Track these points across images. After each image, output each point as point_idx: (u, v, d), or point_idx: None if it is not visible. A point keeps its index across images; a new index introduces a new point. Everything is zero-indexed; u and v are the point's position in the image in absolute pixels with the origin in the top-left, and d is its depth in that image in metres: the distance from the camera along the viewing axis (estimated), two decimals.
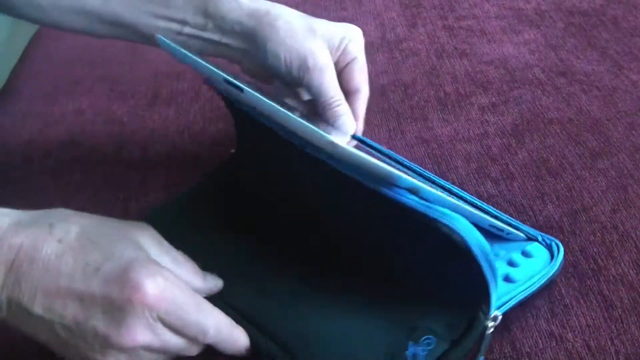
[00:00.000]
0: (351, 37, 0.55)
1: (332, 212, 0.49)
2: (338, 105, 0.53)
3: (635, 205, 0.52)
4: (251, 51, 0.54)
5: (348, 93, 0.55)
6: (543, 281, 0.46)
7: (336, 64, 0.54)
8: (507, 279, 0.46)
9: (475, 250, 0.40)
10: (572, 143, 0.59)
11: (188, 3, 0.54)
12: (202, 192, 0.57)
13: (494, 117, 0.63)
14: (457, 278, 0.42)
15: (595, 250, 0.49)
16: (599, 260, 0.49)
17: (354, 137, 0.53)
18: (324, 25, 0.54)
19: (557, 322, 0.45)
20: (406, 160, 0.50)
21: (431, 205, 0.40)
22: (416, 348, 0.42)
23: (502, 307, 0.44)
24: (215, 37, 0.55)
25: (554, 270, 0.47)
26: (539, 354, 0.43)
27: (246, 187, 0.56)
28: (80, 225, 0.40)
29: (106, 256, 0.39)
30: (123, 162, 0.64)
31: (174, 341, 0.40)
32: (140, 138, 0.67)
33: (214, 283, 0.46)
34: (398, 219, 0.42)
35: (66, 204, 0.60)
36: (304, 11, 0.55)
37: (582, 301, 0.46)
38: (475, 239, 0.40)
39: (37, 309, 0.38)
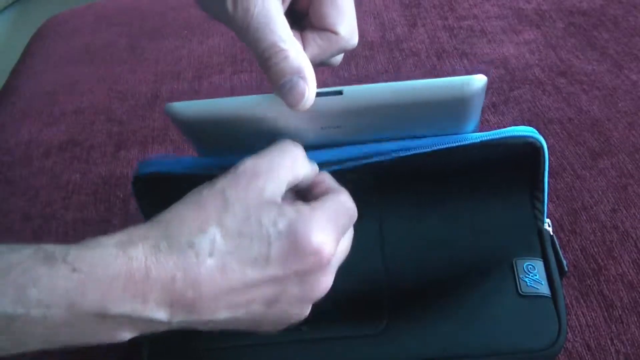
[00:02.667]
0: None
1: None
2: (284, 56, 0.38)
3: (635, 205, 0.52)
4: None
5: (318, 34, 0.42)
6: None
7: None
8: None
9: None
10: (572, 143, 0.59)
11: None
12: None
13: (494, 117, 0.63)
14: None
15: (595, 250, 0.49)
16: (599, 260, 0.49)
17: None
18: None
19: None
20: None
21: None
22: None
23: None
24: None
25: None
26: None
27: None
28: (219, 226, 0.36)
29: (266, 241, 0.36)
30: (123, 162, 0.64)
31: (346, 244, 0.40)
32: (140, 138, 0.67)
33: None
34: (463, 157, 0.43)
35: (66, 204, 0.60)
36: None
37: (582, 301, 0.46)
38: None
39: (221, 315, 0.36)
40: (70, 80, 0.79)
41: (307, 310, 0.38)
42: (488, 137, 0.42)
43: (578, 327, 0.45)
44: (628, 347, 0.43)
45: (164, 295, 0.34)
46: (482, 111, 0.64)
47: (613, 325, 0.44)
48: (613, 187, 0.54)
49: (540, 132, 0.60)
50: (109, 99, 0.74)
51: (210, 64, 0.78)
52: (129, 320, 0.34)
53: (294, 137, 0.41)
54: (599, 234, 0.50)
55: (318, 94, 0.38)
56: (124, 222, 0.58)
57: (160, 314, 0.34)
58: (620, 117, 0.61)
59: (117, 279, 0.34)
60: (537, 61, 0.70)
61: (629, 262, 0.48)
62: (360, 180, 0.44)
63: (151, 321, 0.35)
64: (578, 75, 0.67)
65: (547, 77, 0.68)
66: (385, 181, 0.45)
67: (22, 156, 0.68)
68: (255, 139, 0.41)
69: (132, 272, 0.34)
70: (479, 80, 0.38)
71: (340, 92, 0.38)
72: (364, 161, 0.42)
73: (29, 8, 1.09)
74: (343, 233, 0.39)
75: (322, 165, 0.42)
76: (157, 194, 0.45)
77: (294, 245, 0.36)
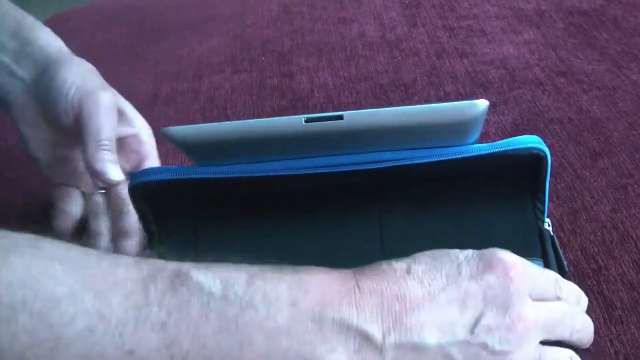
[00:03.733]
0: (144, 125, 0.56)
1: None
2: (108, 150, 0.49)
3: (635, 205, 0.52)
4: (37, 86, 0.51)
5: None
6: None
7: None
8: None
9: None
10: (573, 143, 0.59)
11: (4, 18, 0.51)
12: None
13: (494, 116, 0.63)
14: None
15: (595, 250, 0.49)
16: (599, 260, 0.49)
17: None
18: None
19: None
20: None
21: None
22: None
23: None
24: (10, 62, 0.51)
25: None
26: None
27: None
28: (411, 256, 0.38)
29: (455, 261, 0.38)
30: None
31: (555, 308, 0.39)
32: None
33: None
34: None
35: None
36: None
37: None
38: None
39: (430, 340, 0.35)
40: None
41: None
42: (493, 150, 0.42)
43: None
44: (628, 348, 0.43)
45: (374, 306, 0.35)
46: None
47: (613, 326, 0.44)
48: (613, 187, 0.54)
49: (540, 132, 0.60)
50: None
51: (210, 64, 0.78)
52: (344, 330, 0.34)
53: (296, 153, 0.42)
54: (599, 234, 0.50)
55: (318, 119, 0.39)
56: None
57: (374, 327, 0.35)
58: (620, 117, 0.61)
59: (334, 284, 0.35)
60: (537, 61, 0.70)
61: (629, 262, 0.48)
62: (361, 182, 0.45)
63: (366, 335, 0.35)
64: (578, 75, 0.67)
65: (547, 77, 0.68)
66: (386, 183, 0.45)
67: (22, 156, 0.67)
68: (255, 155, 0.42)
69: (345, 281, 0.36)
70: (480, 105, 0.38)
71: (340, 117, 0.39)
72: (367, 166, 0.42)
73: (29, 8, 1.09)
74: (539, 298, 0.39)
75: (321, 168, 0.42)
76: (155, 200, 0.45)
77: (482, 260, 0.37)
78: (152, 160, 0.55)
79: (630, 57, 0.68)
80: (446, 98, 0.67)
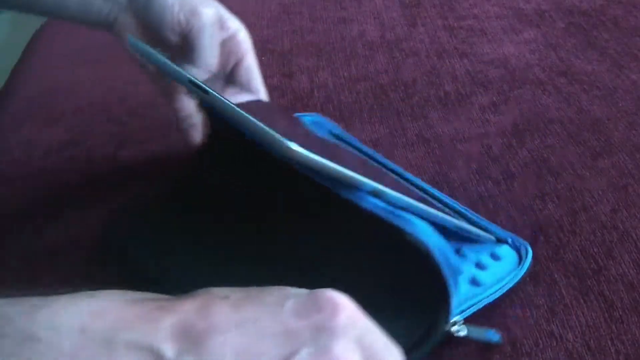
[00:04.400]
0: (239, 26, 0.57)
1: (291, 214, 0.49)
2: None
3: (635, 205, 0.52)
4: (137, 3, 0.54)
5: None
6: (510, 285, 0.46)
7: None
8: (474, 281, 0.46)
9: (438, 257, 0.40)
10: (573, 142, 0.59)
11: None
12: (162, 196, 0.57)
13: (494, 116, 0.63)
14: (417, 284, 0.42)
15: (595, 250, 0.49)
16: (599, 260, 0.49)
17: (338, 137, 0.52)
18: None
19: (557, 322, 0.45)
20: (386, 159, 0.50)
21: (395, 210, 0.41)
22: None
23: (467, 311, 0.44)
24: None
25: (521, 274, 0.47)
26: (539, 354, 0.43)
27: (207, 188, 0.55)
28: (239, 288, 0.36)
29: (283, 295, 0.35)
30: (123, 162, 0.64)
31: None
32: (140, 138, 0.67)
33: None
34: (357, 223, 0.42)
35: (66, 204, 0.60)
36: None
37: (582, 301, 0.46)
38: (437, 247, 0.41)
39: None
40: (70, 80, 0.79)
41: None
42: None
43: (578, 327, 0.45)
44: (628, 348, 0.43)
45: (175, 325, 0.33)
46: (483, 111, 0.64)
47: (613, 326, 0.44)
48: (613, 187, 0.54)
49: (540, 132, 0.60)
50: (109, 99, 0.74)
51: None
52: (135, 350, 0.33)
53: None
54: (599, 234, 0.50)
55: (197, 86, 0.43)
56: None
57: (167, 347, 0.33)
58: (621, 117, 0.61)
59: (134, 306, 0.34)
60: (537, 61, 0.70)
61: (629, 262, 0.48)
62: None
63: (158, 354, 0.33)
64: (578, 75, 0.67)
65: (547, 77, 0.68)
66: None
67: (22, 156, 0.67)
68: None
69: (147, 304, 0.34)
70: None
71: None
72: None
73: None
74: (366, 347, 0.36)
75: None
76: None
77: (311, 298, 0.35)
78: (250, 58, 0.57)
79: (630, 57, 0.68)
80: (446, 98, 0.67)
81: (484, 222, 0.50)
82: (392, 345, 0.36)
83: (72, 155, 0.66)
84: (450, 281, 0.41)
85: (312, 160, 0.39)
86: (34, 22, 0.96)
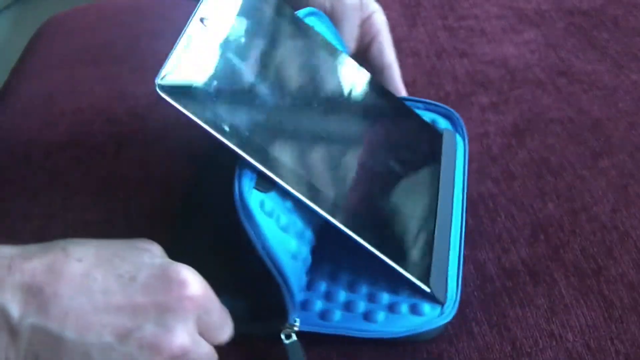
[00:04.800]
0: (376, 8, 0.59)
1: None
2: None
3: (635, 205, 0.52)
4: None
5: (380, 68, 0.58)
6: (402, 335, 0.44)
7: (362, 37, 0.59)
8: (367, 317, 0.45)
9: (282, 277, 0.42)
10: (573, 142, 0.59)
11: None
12: None
13: (494, 116, 0.63)
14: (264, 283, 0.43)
15: (595, 250, 0.49)
16: (599, 260, 0.49)
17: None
18: None
19: (557, 322, 0.45)
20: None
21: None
22: None
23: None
24: None
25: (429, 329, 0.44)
26: (539, 353, 0.43)
27: None
28: (96, 245, 0.37)
29: (137, 265, 0.36)
30: (123, 162, 0.64)
31: (204, 348, 0.38)
32: (140, 138, 0.67)
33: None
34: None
35: (66, 204, 0.60)
36: None
37: (582, 301, 0.46)
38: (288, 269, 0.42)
39: (70, 333, 0.34)
40: (70, 80, 0.79)
41: None
42: None
43: (578, 327, 0.45)
44: (628, 347, 0.43)
45: (22, 285, 0.34)
46: (483, 111, 0.64)
47: (613, 325, 0.44)
48: (613, 187, 0.54)
49: (540, 132, 0.61)
50: (109, 99, 0.74)
51: None
52: None
53: None
54: (599, 234, 0.50)
55: None
56: (125, 222, 0.58)
57: (13, 307, 0.34)
58: (621, 117, 0.61)
59: None
60: (537, 61, 0.70)
61: (629, 262, 0.48)
62: None
63: (3, 313, 0.34)
64: (578, 75, 0.67)
65: (547, 77, 0.68)
66: None
67: (22, 156, 0.67)
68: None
69: (1, 256, 0.35)
70: None
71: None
72: None
73: (29, 8, 1.09)
74: (209, 327, 0.38)
75: None
76: None
77: (162, 274, 0.36)
78: (382, 36, 0.59)
79: (630, 57, 0.68)
80: (446, 98, 0.67)
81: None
82: (227, 321, 0.39)
83: (72, 155, 0.66)
84: (287, 298, 0.43)
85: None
86: (34, 22, 0.96)
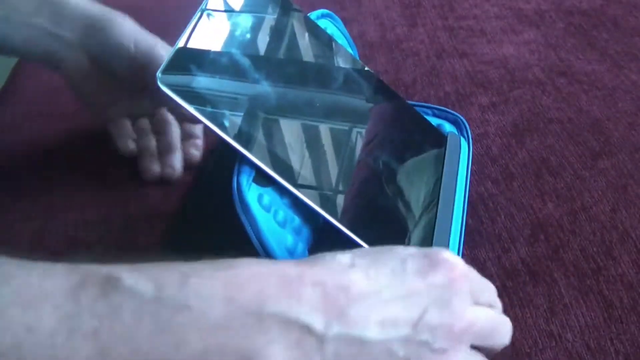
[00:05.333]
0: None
1: None
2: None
3: (635, 205, 0.52)
4: (89, 43, 0.55)
5: None
6: None
7: None
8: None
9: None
10: (572, 143, 0.59)
11: None
12: None
13: (494, 116, 0.63)
14: None
15: (595, 250, 0.49)
16: (599, 260, 0.49)
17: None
18: None
19: (557, 322, 0.45)
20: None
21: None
22: None
23: None
24: (48, 25, 0.53)
25: None
26: (539, 354, 0.43)
27: None
28: (352, 255, 0.38)
29: (398, 259, 0.37)
30: (123, 162, 0.64)
31: (487, 313, 0.38)
32: None
33: None
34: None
35: (66, 204, 0.60)
36: None
37: (582, 301, 0.46)
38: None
39: (371, 333, 0.34)
40: None
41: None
42: None
43: (578, 327, 0.45)
44: (628, 347, 0.43)
45: (317, 297, 0.34)
46: (482, 111, 0.64)
47: (613, 325, 0.44)
48: (613, 187, 0.54)
49: (540, 132, 0.61)
50: None
51: None
52: (284, 323, 0.33)
53: None
54: (599, 234, 0.50)
55: None
56: (125, 222, 0.58)
57: (315, 320, 0.34)
58: (620, 117, 0.61)
59: (272, 276, 0.34)
60: (537, 61, 0.70)
61: (628, 262, 0.48)
62: None
63: (307, 329, 0.34)
64: (578, 75, 0.67)
65: (547, 77, 0.68)
66: None
67: (22, 156, 0.67)
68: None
69: (287, 273, 0.35)
70: None
71: None
72: None
73: None
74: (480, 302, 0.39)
75: None
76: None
77: (426, 259, 0.37)
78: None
79: (630, 57, 0.68)
80: (446, 98, 0.67)
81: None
82: (488, 284, 0.40)
83: (71, 155, 0.66)
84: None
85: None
86: None
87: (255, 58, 0.46)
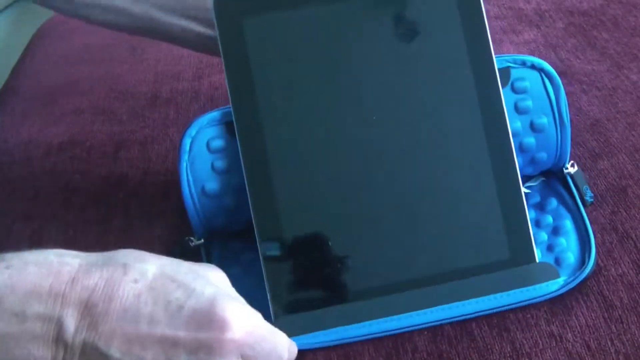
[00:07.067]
0: None
1: None
2: None
3: (635, 206, 0.52)
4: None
5: None
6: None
7: None
8: None
9: None
10: (572, 143, 0.59)
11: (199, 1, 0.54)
12: None
13: None
14: None
15: (595, 250, 0.49)
16: (599, 260, 0.49)
17: None
18: None
19: (557, 322, 0.45)
20: None
21: None
22: None
23: None
24: (202, 29, 0.54)
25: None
26: (539, 354, 0.43)
27: None
28: (158, 265, 0.38)
29: (187, 293, 0.37)
30: (123, 162, 0.64)
31: None
32: (140, 138, 0.67)
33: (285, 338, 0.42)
34: None
35: (66, 204, 0.60)
36: None
37: (582, 301, 0.46)
38: None
39: (115, 352, 0.35)
40: (70, 80, 0.79)
41: None
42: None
43: (578, 327, 0.45)
44: (628, 348, 0.43)
45: (79, 302, 0.35)
46: None
47: (613, 326, 0.44)
48: (613, 188, 0.54)
49: None
50: (109, 99, 0.74)
51: (211, 63, 0.78)
52: (47, 320, 0.35)
53: None
54: (599, 235, 0.50)
55: None
56: (124, 222, 0.58)
57: (70, 321, 0.35)
58: (620, 118, 0.61)
59: (46, 278, 0.36)
60: None
61: (628, 262, 0.48)
62: None
63: (63, 327, 0.35)
64: (578, 75, 0.67)
65: None
66: None
67: (22, 156, 0.68)
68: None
69: (61, 275, 0.36)
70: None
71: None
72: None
73: (29, 8, 1.09)
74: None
75: None
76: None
77: (208, 309, 0.37)
78: None
79: (630, 57, 0.68)
80: None
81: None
82: (276, 350, 0.39)
83: (72, 155, 0.66)
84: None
85: None
86: (34, 22, 0.96)
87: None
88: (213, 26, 0.51)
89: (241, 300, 0.40)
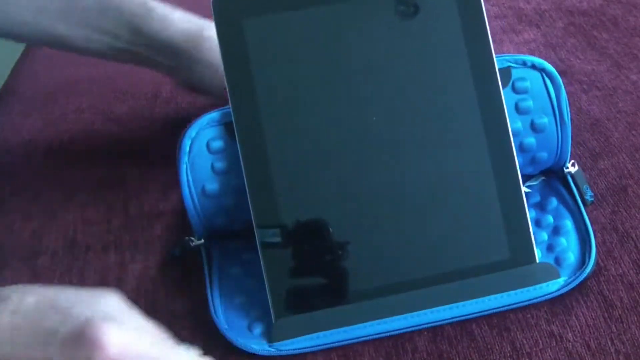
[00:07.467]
0: None
1: None
2: None
3: (635, 206, 0.52)
4: (180, 69, 0.59)
5: None
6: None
7: None
8: None
9: None
10: (572, 143, 0.59)
11: (120, 18, 0.56)
12: None
13: None
14: None
15: (595, 250, 0.49)
16: (599, 260, 0.49)
17: None
18: None
19: (557, 322, 0.45)
20: None
21: None
22: None
23: None
24: (146, 53, 0.57)
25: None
26: (539, 354, 0.43)
27: None
28: (39, 295, 0.39)
29: (63, 318, 0.37)
30: (123, 162, 0.64)
31: None
32: (140, 138, 0.67)
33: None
34: None
35: (66, 204, 0.60)
36: None
37: (582, 301, 0.46)
38: None
39: None
40: (70, 80, 0.79)
41: None
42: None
43: (578, 327, 0.45)
44: (628, 347, 0.43)
45: None
46: None
47: (613, 325, 0.44)
48: (613, 187, 0.54)
49: None
50: (109, 99, 0.74)
51: None
52: None
53: None
54: (599, 234, 0.50)
55: None
56: (124, 222, 0.58)
57: None
58: (620, 117, 0.61)
59: None
60: None
61: (628, 262, 0.48)
62: None
63: None
64: (578, 75, 0.67)
65: None
66: None
67: (22, 156, 0.68)
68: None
69: None
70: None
71: None
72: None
73: None
74: None
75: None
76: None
77: (81, 331, 0.37)
78: None
79: (630, 57, 0.68)
80: None
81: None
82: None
83: (72, 155, 0.66)
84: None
85: None
86: None
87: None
88: (120, 38, 0.54)
89: (131, 322, 0.40)
